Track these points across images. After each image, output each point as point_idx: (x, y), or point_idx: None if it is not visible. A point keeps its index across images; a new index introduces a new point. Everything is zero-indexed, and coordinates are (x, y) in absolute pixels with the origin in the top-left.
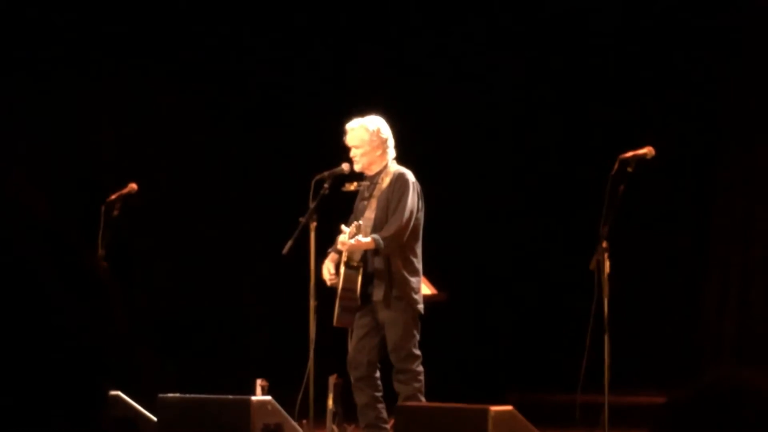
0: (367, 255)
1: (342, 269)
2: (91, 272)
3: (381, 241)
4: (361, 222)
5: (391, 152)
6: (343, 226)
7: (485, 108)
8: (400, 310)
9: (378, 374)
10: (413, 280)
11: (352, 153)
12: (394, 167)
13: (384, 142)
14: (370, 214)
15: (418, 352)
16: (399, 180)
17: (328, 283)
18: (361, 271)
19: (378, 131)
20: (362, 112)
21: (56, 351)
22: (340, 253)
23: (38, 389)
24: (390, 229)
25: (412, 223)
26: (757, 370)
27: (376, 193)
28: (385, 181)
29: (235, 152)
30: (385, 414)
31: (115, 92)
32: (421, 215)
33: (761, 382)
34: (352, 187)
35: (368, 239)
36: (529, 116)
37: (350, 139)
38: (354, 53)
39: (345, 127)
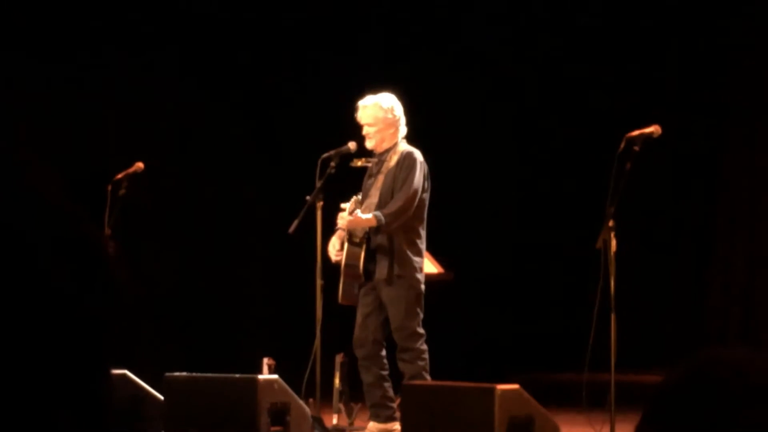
0: (370, 232)
1: (345, 245)
2: (95, 247)
3: (382, 218)
4: (359, 196)
5: (403, 130)
6: (342, 204)
7: (492, 86)
8: (403, 289)
9: (384, 352)
10: (416, 259)
11: (365, 130)
12: (403, 146)
13: (397, 120)
14: (375, 191)
15: (421, 330)
16: (407, 159)
17: (333, 259)
18: (364, 247)
19: (392, 109)
20: (370, 89)
21: (58, 326)
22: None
23: (40, 367)
24: (393, 206)
25: (415, 203)
26: (742, 346)
27: (384, 170)
28: (393, 159)
29: (242, 131)
30: (391, 392)
31: (120, 70)
32: (427, 196)
33: (746, 358)
34: (360, 163)
35: (369, 216)
36: (536, 94)
37: (363, 117)
38: (361, 30)
39: (357, 104)
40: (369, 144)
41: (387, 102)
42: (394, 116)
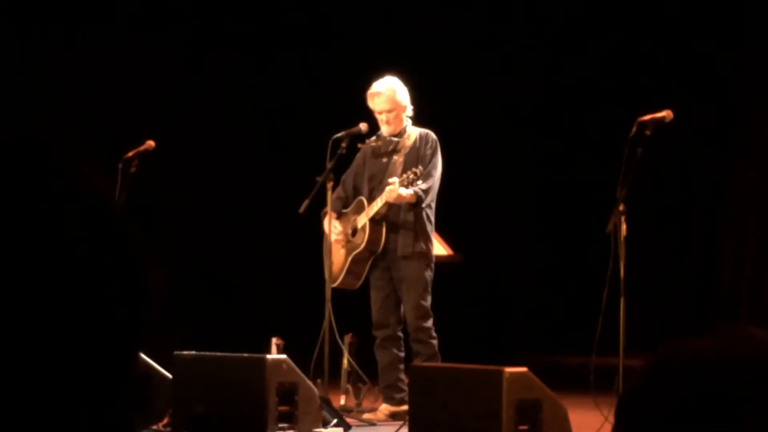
0: (396, 209)
1: (366, 224)
2: (125, 230)
3: (422, 195)
4: (419, 169)
5: (409, 110)
6: (390, 179)
7: (502, 70)
8: (421, 267)
9: (401, 334)
10: (431, 237)
11: (384, 117)
12: (413, 126)
13: (407, 100)
14: (394, 170)
15: (430, 311)
16: (428, 138)
17: (333, 238)
18: (384, 224)
19: (403, 91)
20: (378, 70)
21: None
22: (339, 212)
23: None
24: (426, 183)
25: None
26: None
27: (400, 148)
28: (410, 139)
29: (252, 111)
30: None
31: (133, 49)
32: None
33: (705, 351)
34: (372, 143)
35: (410, 191)
36: (546, 80)
37: (379, 104)
38: (369, 15)
39: (369, 92)
40: (388, 129)
41: (398, 85)
42: (406, 97)
